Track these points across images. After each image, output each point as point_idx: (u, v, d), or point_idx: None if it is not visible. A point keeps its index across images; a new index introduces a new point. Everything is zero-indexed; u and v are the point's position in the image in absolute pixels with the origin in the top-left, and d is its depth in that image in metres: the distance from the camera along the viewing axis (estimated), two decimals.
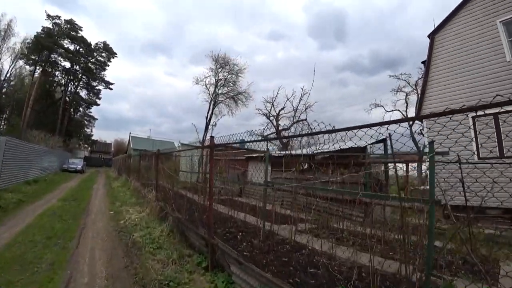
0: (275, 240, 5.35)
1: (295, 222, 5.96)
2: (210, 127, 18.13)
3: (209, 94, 19.00)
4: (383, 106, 22.04)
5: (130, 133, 50.07)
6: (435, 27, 11.69)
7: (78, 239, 5.59)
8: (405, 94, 22.38)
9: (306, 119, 19.53)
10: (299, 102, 20.64)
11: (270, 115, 20.56)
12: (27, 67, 41.38)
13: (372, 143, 9.55)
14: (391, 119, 2.40)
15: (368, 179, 8.41)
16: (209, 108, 18.86)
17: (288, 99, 20.28)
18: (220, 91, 18.89)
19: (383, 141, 10.20)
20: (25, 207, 8.48)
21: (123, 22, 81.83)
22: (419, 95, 11.39)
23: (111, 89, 49.48)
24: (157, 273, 3.95)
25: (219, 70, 18.77)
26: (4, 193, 9.92)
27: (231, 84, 19.14)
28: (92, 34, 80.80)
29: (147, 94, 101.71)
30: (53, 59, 41.29)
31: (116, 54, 47.42)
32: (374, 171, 9.53)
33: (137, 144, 41.90)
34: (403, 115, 24.84)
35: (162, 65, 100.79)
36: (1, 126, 39.04)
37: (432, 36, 11.71)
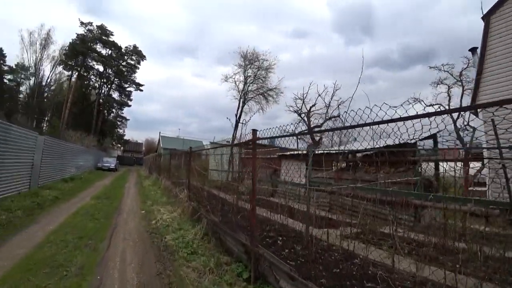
0: (320, 246, 4.71)
1: (337, 226, 5.29)
2: (240, 125, 17.79)
3: (238, 91, 18.68)
4: (422, 101, 20.25)
5: (159, 133, 51.54)
6: (491, 6, 10.28)
7: (109, 240, 5.31)
8: (447, 87, 20.40)
9: (339, 116, 18.48)
10: (331, 98, 19.60)
11: (301, 112, 19.76)
12: (65, 72, 44.07)
13: (423, 139, 8.51)
14: (445, 109, 1.76)
15: (421, 179, 7.44)
16: (239, 105, 18.51)
17: (319, 95, 19.32)
18: (249, 88, 18.52)
19: (433, 136, 9.11)
20: (60, 205, 8.51)
21: (152, 27, 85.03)
22: (476, 83, 10.06)
23: (141, 90, 51.21)
24: (193, 284, 3.46)
25: (248, 66, 18.36)
26: (42, 190, 10.17)
27: (261, 81, 18.67)
28: (123, 39, 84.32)
29: (175, 95, 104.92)
30: (88, 63, 43.45)
31: (145, 57, 49.03)
32: (425, 169, 8.49)
33: (166, 143, 42.84)
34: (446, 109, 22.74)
35: (189, 66, 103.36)
36: (44, 128, 41.65)
37: (487, 17, 10.31)
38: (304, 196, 5.68)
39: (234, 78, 18.60)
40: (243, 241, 3.92)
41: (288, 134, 3.87)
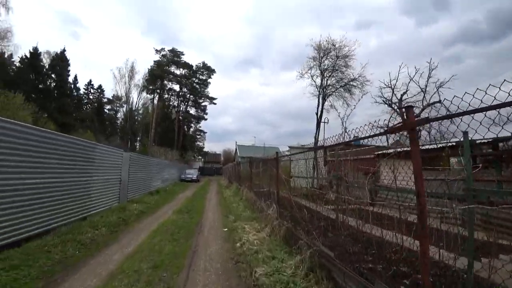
0: None
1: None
2: (322, 124, 15.76)
3: (316, 87, 16.66)
4: None
5: (236, 142, 52.92)
6: None
7: (188, 271, 4.17)
8: None
9: (440, 101, 14.70)
10: (427, 80, 15.91)
11: (391, 102, 16.54)
12: (148, 96, 49.49)
13: None
14: None
15: None
16: (318, 103, 16.43)
17: (411, 79, 15.86)
18: (328, 82, 16.31)
19: None
20: (143, 220, 8.14)
21: (217, 46, 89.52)
22: None
23: (215, 103, 53.96)
24: None
25: (324, 58, 16.25)
26: (130, 204, 10.23)
27: (340, 73, 16.21)
28: (192, 59, 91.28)
29: (246, 106, 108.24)
30: (165, 86, 47.90)
31: (214, 70, 51.60)
32: None
33: (243, 152, 43.36)
34: None
35: (255, 77, 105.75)
36: (137, 147, 47.22)
37: None
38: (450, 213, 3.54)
39: (310, 73, 16.71)
40: None
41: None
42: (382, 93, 17.06)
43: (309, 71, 16.32)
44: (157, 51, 46.96)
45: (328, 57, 15.83)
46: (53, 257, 4.56)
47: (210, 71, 51.25)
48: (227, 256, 4.83)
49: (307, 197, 8.82)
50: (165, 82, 47.28)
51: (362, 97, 16.13)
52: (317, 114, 15.81)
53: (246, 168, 13.36)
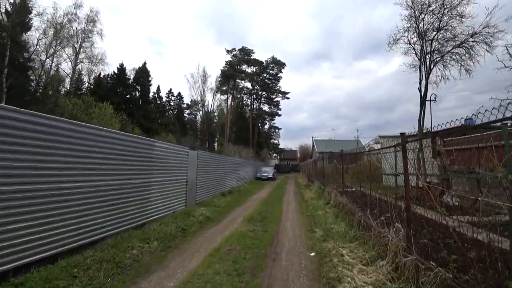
0: None
1: None
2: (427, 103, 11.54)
3: (416, 54, 12.29)
4: None
5: (312, 137, 49.92)
6: None
7: None
8: None
9: None
10: None
11: None
12: (222, 97, 50.78)
13: None
14: None
15: None
16: (421, 75, 12.06)
17: None
18: (433, 47, 11.72)
19: None
20: (205, 231, 6.52)
21: (285, 44, 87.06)
22: None
23: (288, 98, 52.00)
24: None
25: (421, 16, 11.82)
26: (197, 208, 8.92)
27: (449, 32, 11.43)
28: (262, 57, 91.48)
29: (320, 101, 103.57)
30: (238, 84, 48.25)
31: (284, 64, 49.65)
32: None
33: (321, 147, 40.18)
34: None
35: (327, 70, 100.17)
36: (215, 147, 48.88)
37: None
38: None
39: (407, 36, 12.40)
40: None
41: None
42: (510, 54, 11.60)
43: (405, 34, 12.25)
44: (228, 51, 47.75)
45: (428, 12, 11.50)
46: None
47: (280, 65, 49.38)
48: None
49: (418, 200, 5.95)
50: (237, 81, 47.60)
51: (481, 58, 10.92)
52: (420, 90, 11.64)
53: (332, 164, 10.69)
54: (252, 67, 48.36)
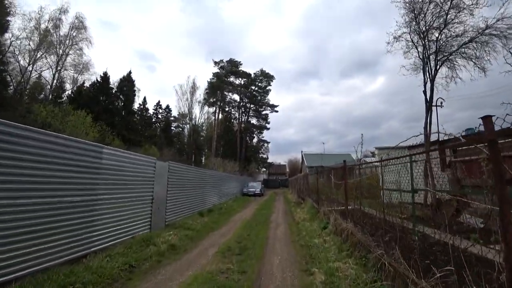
0: None
1: None
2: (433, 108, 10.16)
3: (418, 52, 10.89)
4: None
5: (302, 151, 48.64)
6: None
7: None
8: None
9: None
10: None
11: None
12: (210, 109, 49.40)
13: None
14: None
15: None
16: (425, 77, 10.61)
17: None
18: (438, 45, 10.21)
19: None
20: (161, 270, 4.81)
21: (273, 62, 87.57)
22: None
23: (276, 111, 51.08)
24: None
25: (423, 11, 10.20)
26: (163, 233, 7.16)
27: (458, 20, 9.79)
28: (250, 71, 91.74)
29: (308, 116, 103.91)
30: (226, 97, 47.18)
31: (273, 77, 49.11)
32: None
33: (310, 161, 38.88)
34: None
35: (315, 87, 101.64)
36: (202, 161, 46.77)
37: None
38: None
39: (408, 33, 10.99)
40: None
41: None
42: None
43: (407, 31, 10.96)
44: (215, 63, 46.90)
45: (428, 11, 10.28)
46: None
47: (269, 77, 48.72)
48: None
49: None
50: (225, 93, 46.48)
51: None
52: (424, 93, 10.27)
53: (329, 179, 9.17)
54: (240, 79, 47.53)
